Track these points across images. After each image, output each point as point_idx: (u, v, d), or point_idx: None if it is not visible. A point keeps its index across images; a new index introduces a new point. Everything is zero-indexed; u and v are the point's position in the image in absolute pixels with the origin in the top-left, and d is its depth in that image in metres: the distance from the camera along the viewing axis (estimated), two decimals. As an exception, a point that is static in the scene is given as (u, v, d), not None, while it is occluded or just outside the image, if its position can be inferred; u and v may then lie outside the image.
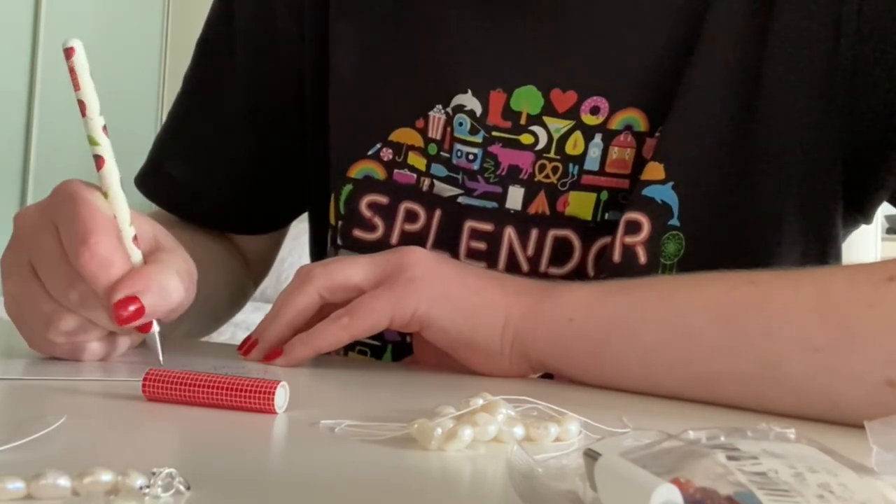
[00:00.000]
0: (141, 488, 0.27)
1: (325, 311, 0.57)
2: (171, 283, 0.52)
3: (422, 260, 0.56)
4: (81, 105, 0.52)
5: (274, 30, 0.75)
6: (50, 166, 3.08)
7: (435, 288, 0.55)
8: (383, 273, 0.56)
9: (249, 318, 2.87)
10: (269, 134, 0.77)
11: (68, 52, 0.51)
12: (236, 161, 0.78)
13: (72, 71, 0.51)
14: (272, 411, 0.40)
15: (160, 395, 0.41)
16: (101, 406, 0.42)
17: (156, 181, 0.79)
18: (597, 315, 0.53)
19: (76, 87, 0.51)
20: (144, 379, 0.41)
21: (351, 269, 0.57)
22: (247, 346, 0.58)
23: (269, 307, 0.60)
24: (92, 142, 0.52)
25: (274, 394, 0.40)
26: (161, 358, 0.53)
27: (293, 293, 0.57)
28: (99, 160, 0.52)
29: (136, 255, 0.52)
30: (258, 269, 0.87)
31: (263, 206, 0.81)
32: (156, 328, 0.53)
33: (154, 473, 0.27)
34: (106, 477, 0.27)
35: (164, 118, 0.82)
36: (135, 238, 0.52)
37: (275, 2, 0.74)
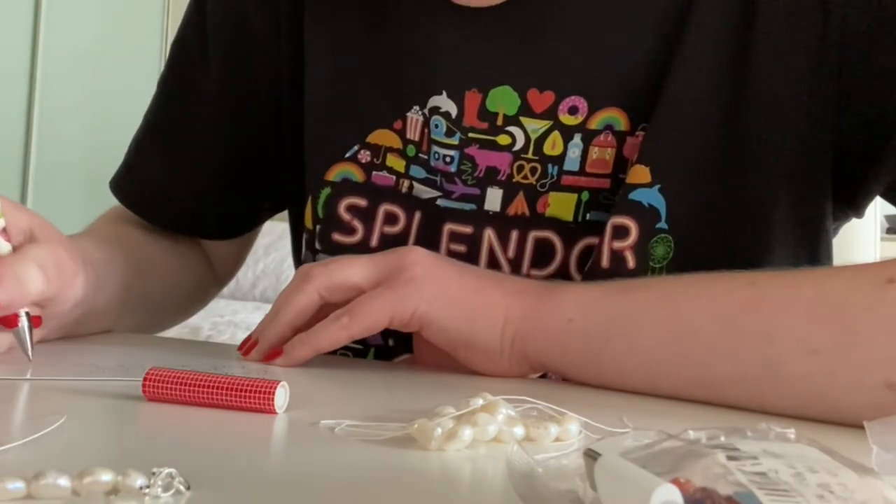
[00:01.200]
0: (141, 488, 0.27)
1: (324, 310, 0.57)
2: (29, 274, 0.52)
3: (422, 260, 0.56)
4: None
5: (247, 34, 0.74)
6: (50, 166, 3.08)
7: (435, 287, 0.55)
8: (383, 273, 0.56)
9: (249, 318, 2.88)
10: (242, 140, 0.77)
11: None
12: (207, 168, 0.78)
13: None
14: (272, 411, 0.40)
15: (160, 395, 0.41)
16: (101, 406, 0.42)
17: (127, 184, 0.80)
18: (596, 316, 0.53)
19: None
20: (144, 379, 0.41)
21: (351, 269, 0.57)
22: (247, 347, 0.58)
23: (269, 307, 0.60)
24: None
25: (274, 394, 0.40)
26: (30, 354, 0.52)
27: (293, 293, 0.57)
28: None
29: (4, 248, 0.52)
30: (224, 268, 0.87)
31: (232, 213, 0.81)
32: (23, 323, 0.52)
33: (154, 473, 0.27)
34: (106, 477, 0.27)
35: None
36: (4, 230, 0.52)
37: (248, 5, 0.74)
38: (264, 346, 0.57)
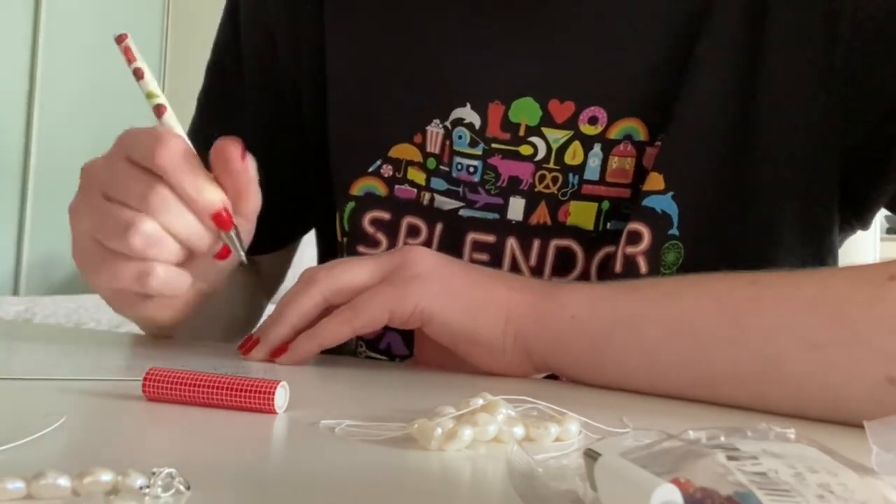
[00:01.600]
0: (141, 488, 0.27)
1: (328, 313, 0.57)
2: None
3: (424, 257, 0.57)
4: (139, 71, 0.58)
5: (273, 50, 0.75)
6: (50, 166, 3.08)
7: (437, 283, 0.55)
8: (386, 272, 0.57)
9: (250, 318, 2.88)
10: (276, 158, 0.77)
11: (120, 38, 0.58)
12: None
13: (127, 50, 0.58)
14: (272, 411, 0.40)
15: (160, 395, 0.41)
16: (101, 406, 0.42)
17: None
18: (599, 313, 0.54)
19: (131, 60, 0.58)
20: (144, 379, 0.41)
21: (355, 271, 0.57)
22: (247, 346, 0.58)
23: (269, 307, 0.60)
24: (151, 96, 0.58)
25: (274, 394, 0.40)
26: (244, 256, 0.57)
27: (297, 295, 0.58)
28: (160, 108, 0.57)
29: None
30: (270, 285, 0.88)
31: (272, 227, 0.81)
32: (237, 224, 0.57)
33: (154, 473, 0.27)
34: (106, 477, 0.27)
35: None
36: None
37: (273, 25, 0.74)
38: (266, 347, 0.57)
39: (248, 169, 0.57)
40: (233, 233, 0.56)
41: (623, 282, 0.56)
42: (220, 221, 0.55)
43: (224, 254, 0.57)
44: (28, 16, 3.08)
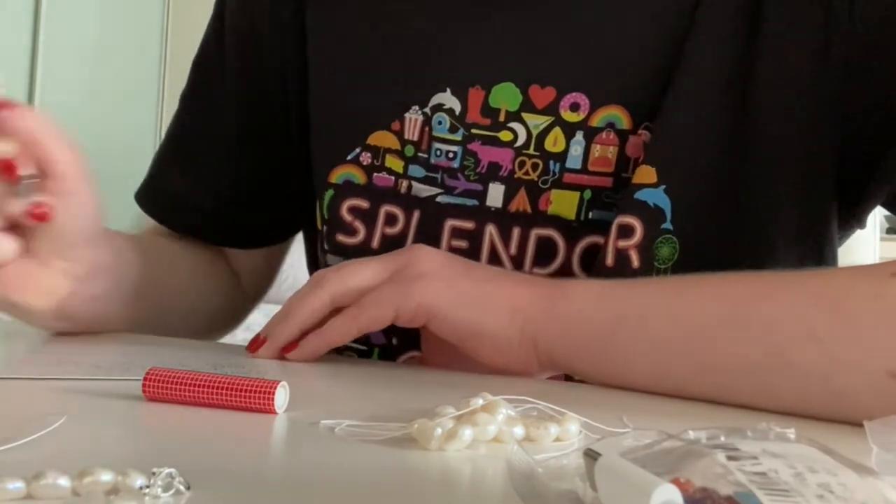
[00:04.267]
0: (141, 488, 0.27)
1: (334, 314, 0.58)
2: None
3: (429, 256, 0.57)
4: None
5: (258, 45, 0.75)
6: (50, 166, 3.08)
7: (442, 281, 0.56)
8: (393, 271, 0.57)
9: (250, 317, 2.89)
10: (260, 149, 0.77)
11: None
12: (229, 178, 0.78)
13: None
14: (272, 411, 0.40)
15: (160, 395, 0.41)
16: (101, 406, 0.42)
17: (152, 196, 0.80)
18: (606, 307, 0.54)
19: None
20: (144, 379, 0.41)
21: (363, 273, 0.58)
22: (255, 345, 0.59)
23: (268, 307, 0.60)
24: None
25: (274, 394, 0.40)
26: (48, 207, 0.52)
27: (306, 296, 0.58)
28: None
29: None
30: (254, 285, 0.86)
31: (256, 222, 0.81)
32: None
33: (154, 473, 0.27)
34: (106, 477, 0.27)
35: (164, 119, 0.83)
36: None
37: (259, 23, 0.75)
38: (274, 345, 0.58)
39: (24, 119, 0.53)
40: (24, 183, 0.52)
41: (631, 279, 0.56)
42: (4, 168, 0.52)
43: (41, 214, 0.53)
44: (28, 15, 3.08)
